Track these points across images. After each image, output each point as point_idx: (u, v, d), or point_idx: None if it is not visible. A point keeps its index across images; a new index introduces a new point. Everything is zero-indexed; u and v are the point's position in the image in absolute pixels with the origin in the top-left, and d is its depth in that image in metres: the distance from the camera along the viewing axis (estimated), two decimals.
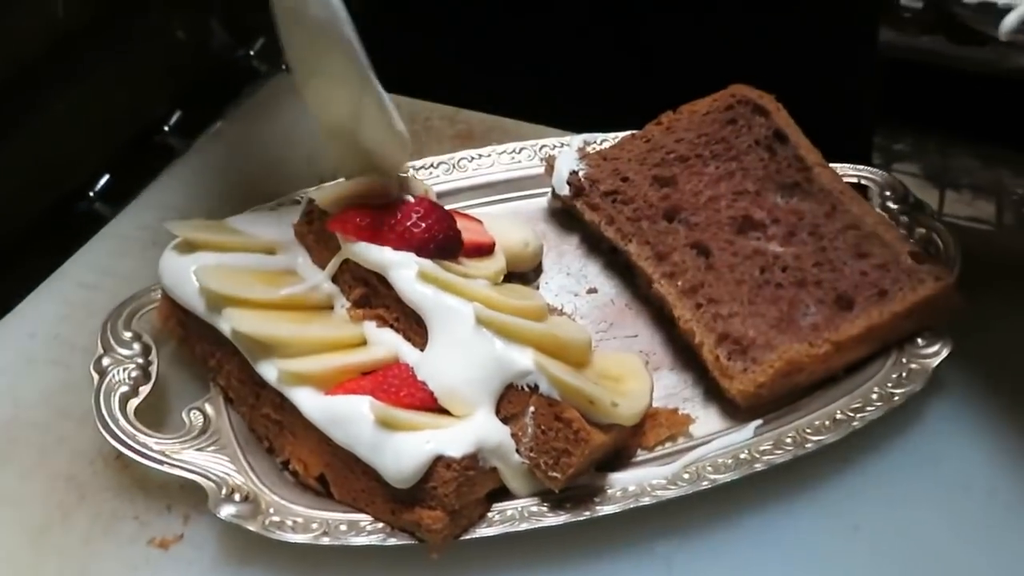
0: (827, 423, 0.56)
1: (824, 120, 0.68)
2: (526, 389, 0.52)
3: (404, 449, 0.50)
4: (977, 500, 0.56)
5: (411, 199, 0.55)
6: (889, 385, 0.58)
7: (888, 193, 0.69)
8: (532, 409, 0.52)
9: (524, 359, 0.52)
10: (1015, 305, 0.66)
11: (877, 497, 0.56)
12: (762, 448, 0.55)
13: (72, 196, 1.03)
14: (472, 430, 0.52)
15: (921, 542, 0.54)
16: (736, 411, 0.58)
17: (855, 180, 0.69)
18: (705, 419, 0.59)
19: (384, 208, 0.55)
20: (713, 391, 0.60)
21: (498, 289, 0.58)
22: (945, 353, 0.59)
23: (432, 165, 0.72)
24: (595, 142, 0.73)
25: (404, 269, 0.54)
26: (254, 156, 0.78)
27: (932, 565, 0.53)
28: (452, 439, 0.51)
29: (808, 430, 0.56)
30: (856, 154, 0.72)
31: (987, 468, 0.57)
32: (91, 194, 1.03)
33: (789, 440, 0.55)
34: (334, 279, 0.58)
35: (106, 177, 1.05)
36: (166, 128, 1.15)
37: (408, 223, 0.55)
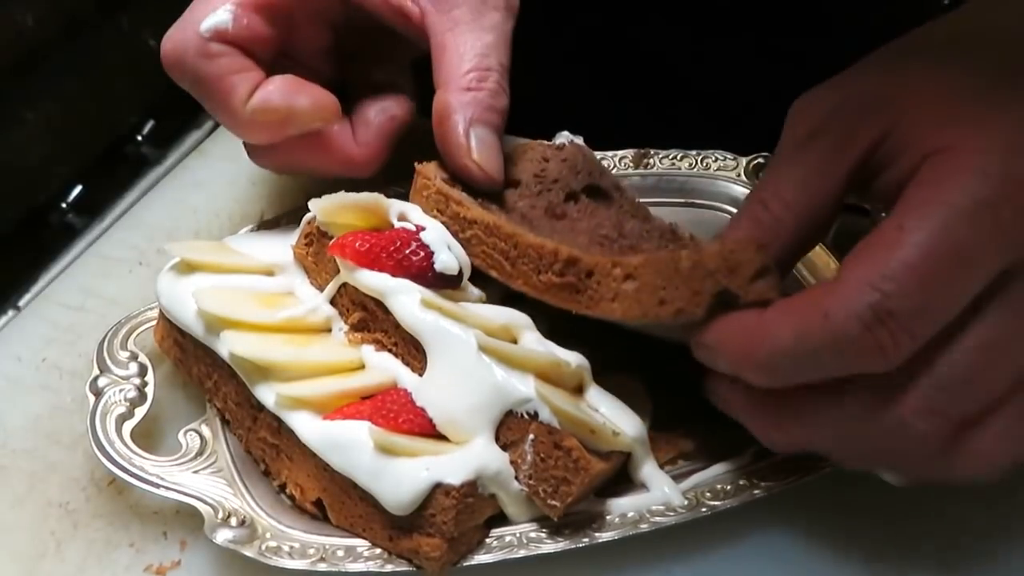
0: None
1: None
2: (526, 416, 0.52)
3: (403, 476, 0.50)
4: (971, 507, 0.57)
5: (412, 226, 0.55)
6: None
7: None
8: (532, 437, 0.52)
9: (525, 387, 0.52)
10: None
11: (873, 509, 0.56)
12: (761, 473, 0.55)
13: (44, 208, 1.01)
14: (471, 457, 0.52)
15: (920, 552, 0.55)
16: (732, 433, 0.59)
17: None
18: (701, 441, 0.59)
19: (385, 233, 0.55)
20: (709, 412, 0.60)
21: (494, 311, 0.58)
22: None
23: None
24: None
25: (403, 296, 0.54)
26: (240, 172, 0.77)
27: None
28: (451, 466, 0.51)
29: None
30: None
31: None
32: (64, 205, 1.01)
33: (790, 465, 0.55)
34: (332, 302, 0.58)
35: (79, 188, 1.03)
36: (139, 138, 1.13)
37: (407, 250, 0.54)
